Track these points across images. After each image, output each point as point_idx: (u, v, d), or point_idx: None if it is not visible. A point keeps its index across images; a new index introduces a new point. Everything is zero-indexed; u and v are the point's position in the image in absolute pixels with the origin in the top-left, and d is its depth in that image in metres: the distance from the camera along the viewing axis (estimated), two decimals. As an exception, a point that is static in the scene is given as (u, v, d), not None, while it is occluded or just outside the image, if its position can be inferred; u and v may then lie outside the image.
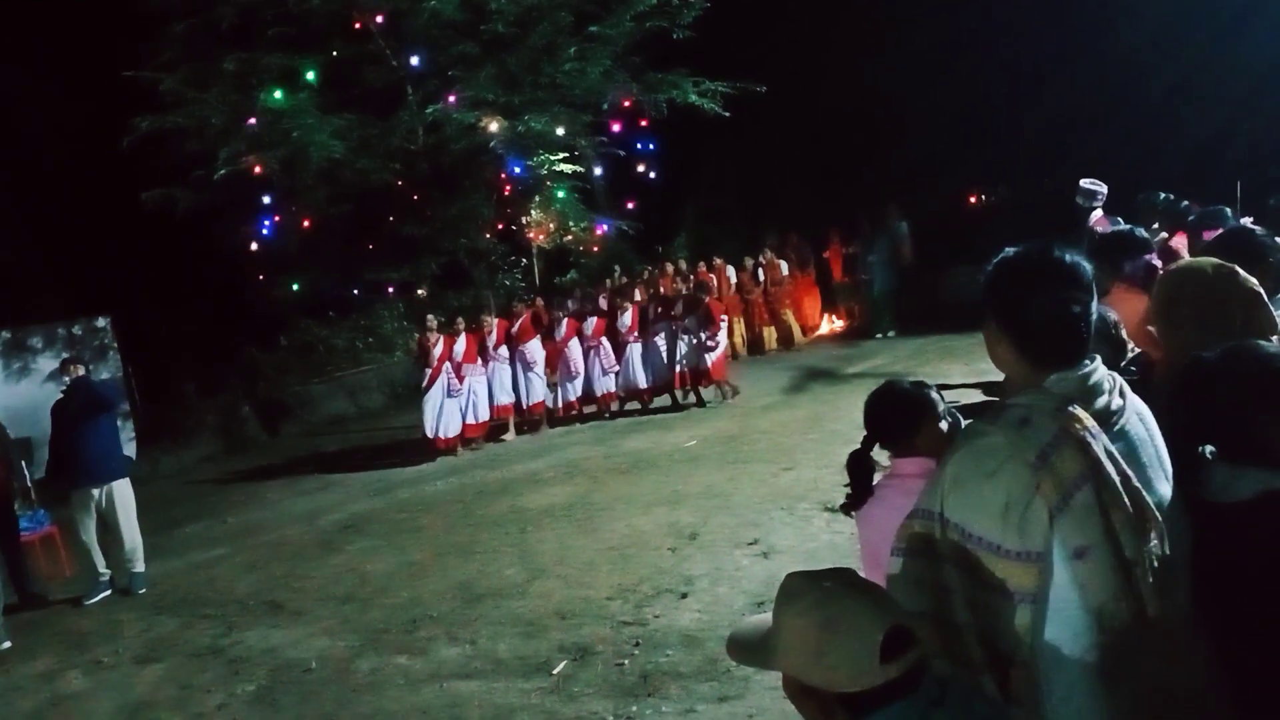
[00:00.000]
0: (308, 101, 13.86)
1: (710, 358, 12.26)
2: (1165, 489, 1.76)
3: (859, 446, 2.74)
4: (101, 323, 14.04)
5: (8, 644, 6.96)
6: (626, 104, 15.70)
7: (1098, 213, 8.74)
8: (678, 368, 12.42)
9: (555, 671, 5.03)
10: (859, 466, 2.74)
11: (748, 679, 4.45)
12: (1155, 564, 1.63)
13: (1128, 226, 5.22)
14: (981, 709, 1.53)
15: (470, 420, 11.88)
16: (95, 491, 7.78)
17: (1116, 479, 1.63)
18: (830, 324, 17.28)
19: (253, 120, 13.95)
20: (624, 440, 10.97)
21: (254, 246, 15.53)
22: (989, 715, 1.55)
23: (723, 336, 12.70)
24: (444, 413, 11.61)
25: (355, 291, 16.90)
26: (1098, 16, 14.60)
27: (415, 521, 8.84)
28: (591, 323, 12.68)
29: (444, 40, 14.43)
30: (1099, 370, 1.77)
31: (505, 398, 12.27)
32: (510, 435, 12.31)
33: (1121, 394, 1.79)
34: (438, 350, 11.69)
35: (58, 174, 16.10)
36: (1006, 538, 1.63)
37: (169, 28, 13.63)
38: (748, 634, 1.60)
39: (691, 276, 15.68)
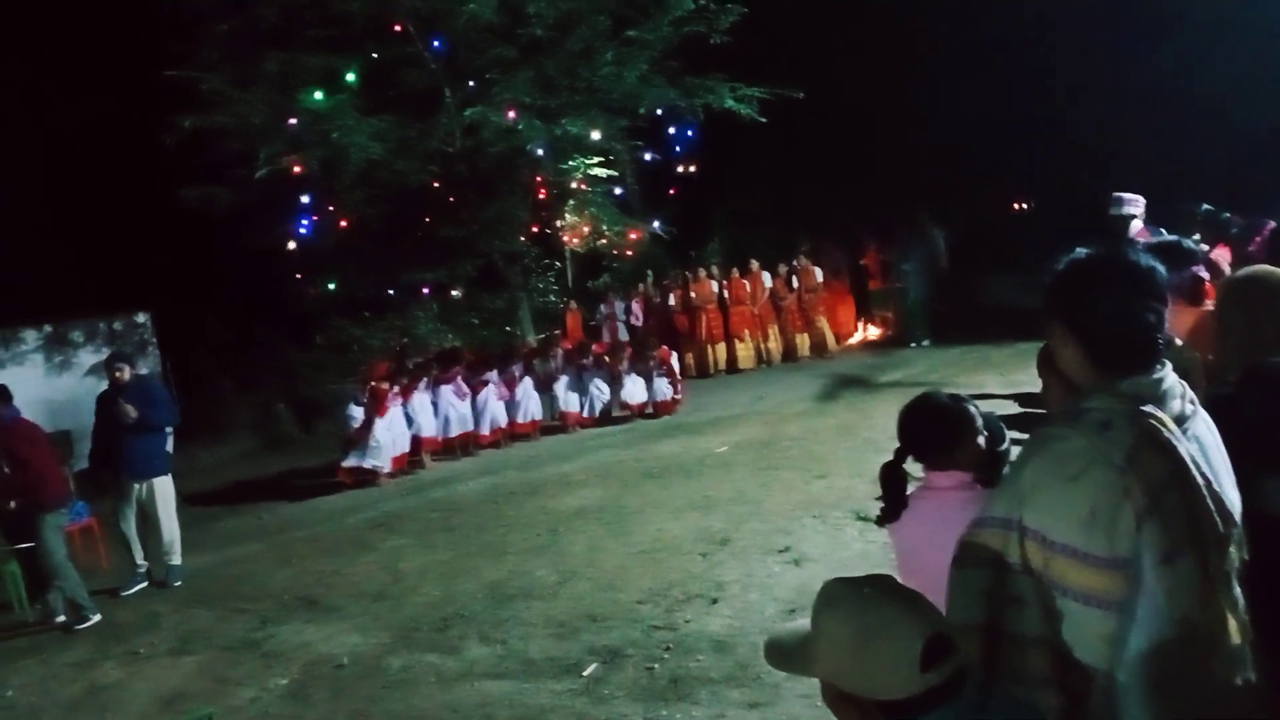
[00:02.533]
0: (347, 103, 13.98)
1: (668, 394, 13.00)
2: (1235, 496, 1.73)
3: (892, 458, 2.71)
4: (142, 318, 14.26)
5: (97, 616, 7.24)
6: (662, 109, 15.71)
7: (1138, 224, 8.62)
8: (636, 399, 13.04)
9: (585, 673, 5.04)
10: (892, 478, 2.70)
11: (778, 685, 4.43)
12: (1235, 573, 1.60)
13: (1174, 237, 5.14)
14: (1026, 717, 1.52)
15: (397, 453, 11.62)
16: (137, 485, 7.95)
17: (1201, 483, 1.60)
18: (864, 332, 17.19)
19: (293, 120, 14.10)
20: (655, 445, 10.97)
21: (292, 246, 15.68)
22: None
23: (674, 367, 13.28)
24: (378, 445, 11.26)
25: (390, 292, 17.02)
26: (1138, 25, 14.41)
27: (447, 521, 8.89)
28: (519, 367, 12.90)
29: (482, 43, 14.51)
30: (1170, 376, 1.75)
31: (429, 431, 12.05)
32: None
33: (1191, 401, 1.76)
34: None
35: (100, 171, 16.35)
36: (1093, 544, 1.60)
37: (212, 28, 13.80)
38: (786, 640, 1.59)
39: (724, 283, 15.75)
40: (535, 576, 6.79)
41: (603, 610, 5.91)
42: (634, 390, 13.05)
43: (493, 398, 12.45)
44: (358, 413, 11.28)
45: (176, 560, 8.15)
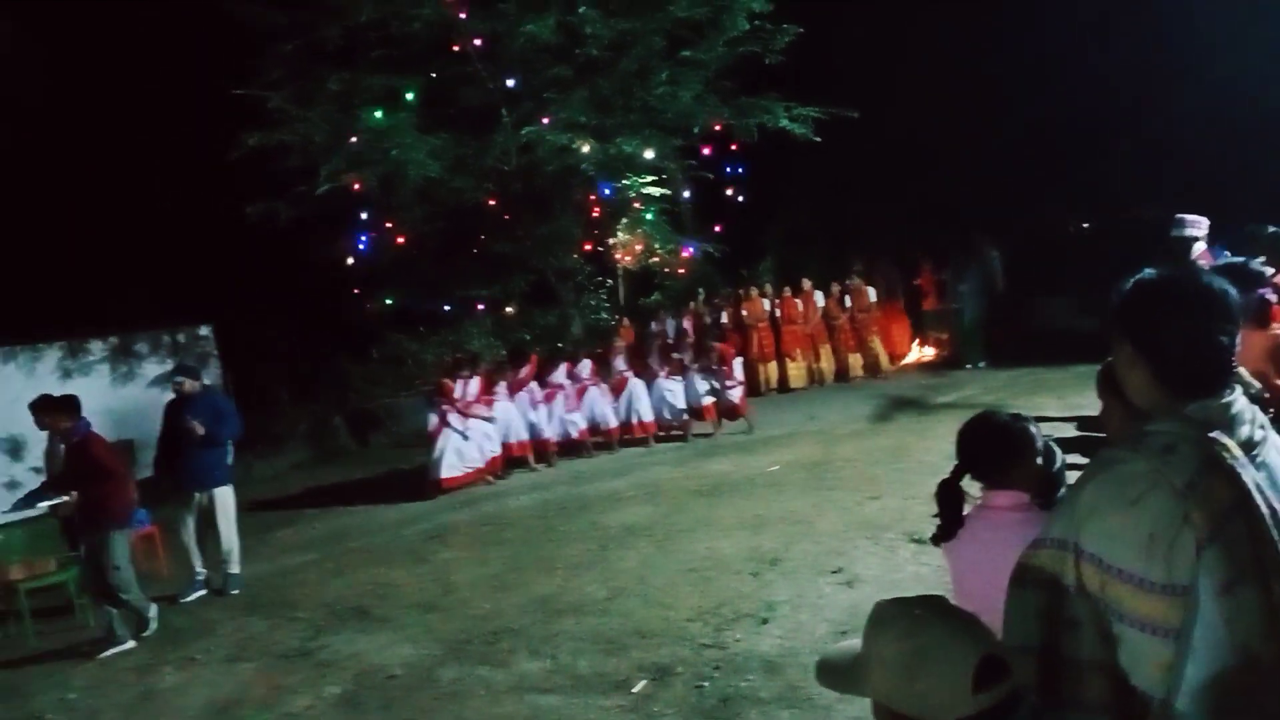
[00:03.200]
0: (406, 121, 14.22)
1: (734, 395, 12.81)
2: None
3: (948, 476, 2.68)
4: (204, 331, 14.55)
5: (154, 621, 7.30)
6: (717, 128, 15.77)
7: (1200, 245, 8.45)
8: (704, 401, 12.86)
9: (635, 690, 5.04)
10: (949, 497, 2.67)
11: (829, 707, 4.39)
12: None
13: (1241, 259, 5.04)
14: None
15: (477, 460, 11.71)
16: (199, 494, 8.14)
17: (1266, 512, 1.56)
18: (919, 353, 17.02)
19: (354, 139, 14.37)
20: (705, 463, 10.95)
21: (350, 260, 15.97)
22: None
23: (739, 373, 13.06)
24: (447, 453, 11.43)
25: (446, 307, 17.22)
26: (1200, 40, 14.15)
27: (499, 535, 8.94)
28: (586, 365, 12.95)
29: (539, 63, 14.69)
30: (1240, 400, 1.71)
31: (516, 436, 12.19)
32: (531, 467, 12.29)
33: (1263, 426, 1.72)
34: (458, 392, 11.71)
35: (166, 186, 16.79)
36: (1151, 570, 1.56)
37: (277, 47, 14.14)
38: (838, 659, 1.59)
39: (776, 302, 15.71)
40: (585, 592, 6.81)
41: (652, 627, 5.90)
42: (701, 393, 12.88)
43: (561, 407, 12.58)
44: (432, 419, 11.60)
45: (235, 569, 8.30)
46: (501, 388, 12.24)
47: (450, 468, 11.42)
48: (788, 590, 6.20)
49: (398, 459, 14.47)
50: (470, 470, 11.53)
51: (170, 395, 8.40)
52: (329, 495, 12.40)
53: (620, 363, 13.16)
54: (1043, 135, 16.86)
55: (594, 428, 12.79)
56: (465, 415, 11.58)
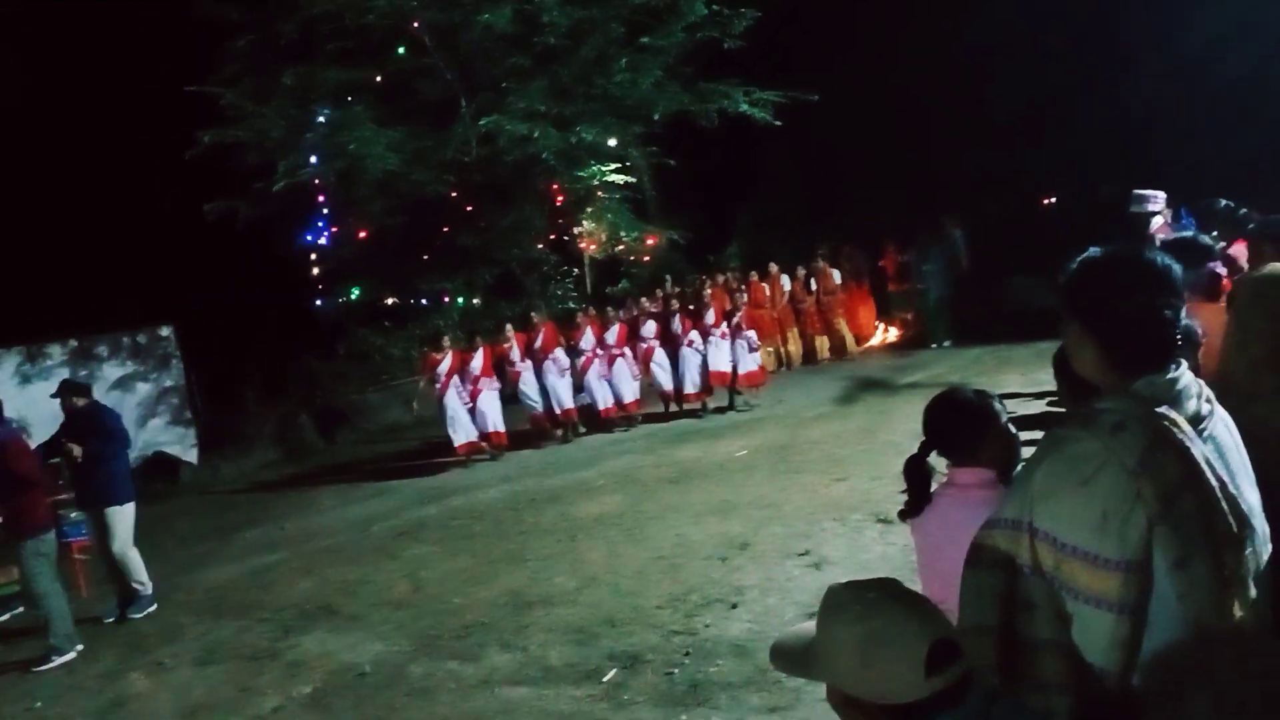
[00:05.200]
0: (364, 114, 14.09)
1: (754, 360, 12.78)
2: (1254, 497, 1.71)
3: (915, 453, 2.69)
4: (165, 331, 14.38)
5: (69, 655, 6.94)
6: (677, 114, 15.76)
7: (1159, 220, 8.56)
8: (722, 368, 12.78)
9: (605, 679, 5.04)
10: (916, 473, 2.68)
11: (798, 690, 4.42)
12: (1251, 574, 1.58)
13: (1191, 233, 5.10)
14: None
15: (493, 429, 12.14)
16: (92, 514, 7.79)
17: (1215, 485, 1.59)
18: (884, 334, 17.11)
19: (310, 133, 14.23)
20: (675, 449, 10.96)
21: (313, 257, 15.82)
22: None
23: (755, 339, 13.06)
24: (462, 421, 11.88)
25: (411, 301, 17.11)
26: (1155, 19, 14.31)
27: (468, 529, 8.91)
28: (614, 331, 12.93)
29: (497, 53, 14.59)
30: (1186, 375, 1.73)
31: (538, 406, 12.45)
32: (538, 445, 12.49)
33: (1209, 400, 1.75)
34: (444, 367, 11.95)
35: (123, 186, 16.55)
36: (1105, 547, 1.58)
37: (231, 43, 13.96)
38: (791, 643, 1.59)
39: (742, 288, 15.69)
40: (555, 583, 6.80)
41: (622, 616, 5.91)
42: (719, 358, 12.78)
43: (598, 374, 12.65)
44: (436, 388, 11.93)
45: (139, 589, 7.82)
46: (516, 359, 12.39)
47: (462, 434, 11.82)
48: (756, 574, 6.23)
49: (366, 455, 14.39)
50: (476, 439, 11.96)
51: (129, 400, 8.18)
52: (296, 494, 12.30)
53: (648, 330, 13.10)
54: (1007, 113, 16.97)
55: (618, 402, 12.86)
56: (475, 390, 11.90)
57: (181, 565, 9.28)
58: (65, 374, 13.03)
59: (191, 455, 13.85)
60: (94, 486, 7.64)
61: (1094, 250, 1.80)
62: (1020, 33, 16.12)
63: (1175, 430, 1.61)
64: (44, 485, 7.23)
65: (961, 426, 2.64)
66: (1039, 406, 9.10)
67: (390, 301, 16.86)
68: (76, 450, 7.42)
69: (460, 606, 6.66)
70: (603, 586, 6.54)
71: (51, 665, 6.83)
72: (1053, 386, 2.90)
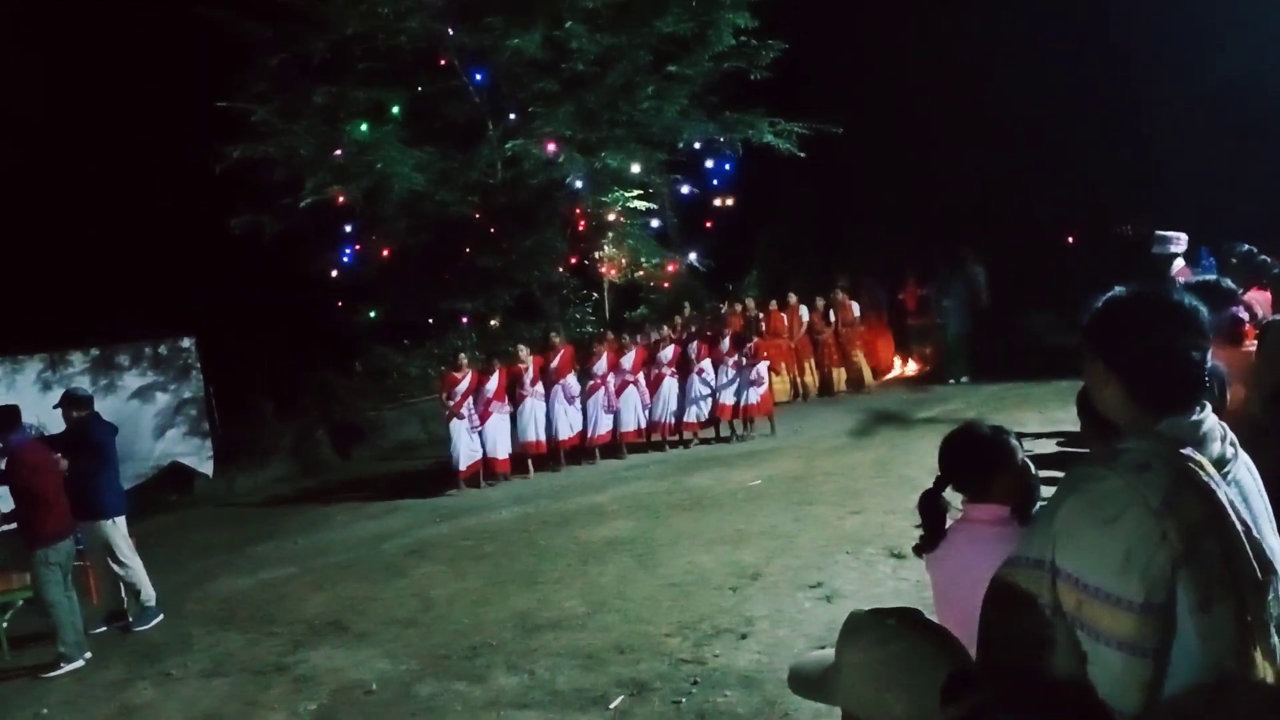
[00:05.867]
0: (392, 134, 14.24)
1: (757, 393, 12.78)
2: (1276, 542, 1.69)
3: (931, 487, 2.68)
4: (186, 343, 14.49)
5: (78, 664, 6.97)
6: (696, 146, 15.85)
7: (1179, 262, 8.52)
8: (727, 400, 12.90)
9: (612, 706, 5.01)
10: (931, 508, 2.67)
11: (806, 724, 4.39)
12: (1274, 620, 1.57)
13: (1213, 277, 5.08)
14: None
15: (494, 455, 12.11)
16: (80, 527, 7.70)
17: (1239, 529, 1.57)
18: (902, 367, 17.06)
19: (339, 151, 14.37)
20: (688, 477, 10.94)
21: (334, 273, 15.95)
22: None
23: (764, 371, 13.06)
24: (464, 445, 11.89)
25: (430, 320, 17.19)
26: (1183, 58, 14.30)
27: (479, 549, 8.91)
28: (630, 357, 12.96)
29: (525, 77, 14.72)
30: (1210, 417, 1.72)
31: (534, 434, 12.40)
32: (531, 473, 12.43)
33: (1232, 444, 1.73)
34: (462, 386, 12.00)
35: (151, 197, 16.76)
36: (1127, 588, 1.56)
37: (263, 60, 14.14)
38: (809, 668, 1.59)
39: (761, 316, 15.68)
40: (564, 607, 6.78)
41: (631, 642, 5.88)
42: (727, 390, 12.90)
43: (600, 402, 12.67)
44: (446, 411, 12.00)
45: (124, 606, 7.87)
46: (528, 381, 12.39)
47: (466, 458, 11.87)
48: (767, 605, 6.19)
49: (380, 472, 14.43)
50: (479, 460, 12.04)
51: (146, 410, 8.19)
52: (310, 509, 12.33)
53: (665, 355, 13.15)
54: (1030, 150, 17.00)
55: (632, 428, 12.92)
56: (484, 412, 11.94)
57: (193, 576, 9.32)
58: (86, 382, 13.18)
59: (207, 467, 13.91)
60: (81, 500, 7.52)
61: (1119, 289, 1.79)
62: (1046, 68, 16.16)
63: (1200, 472, 1.59)
64: (61, 493, 7.22)
65: (977, 462, 2.64)
66: (1055, 445, 9.05)
67: (410, 320, 16.93)
68: (63, 463, 7.40)
69: (469, 627, 6.65)
70: (612, 612, 6.52)
71: (60, 672, 6.86)
72: (1070, 425, 2.90)
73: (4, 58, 13.61)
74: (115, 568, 7.81)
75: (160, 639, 7.43)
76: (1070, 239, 18.84)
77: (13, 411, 7.25)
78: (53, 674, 6.84)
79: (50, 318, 14.72)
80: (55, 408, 7.78)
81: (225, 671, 6.50)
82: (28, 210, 16.03)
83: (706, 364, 13.01)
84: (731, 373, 12.91)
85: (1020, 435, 2.71)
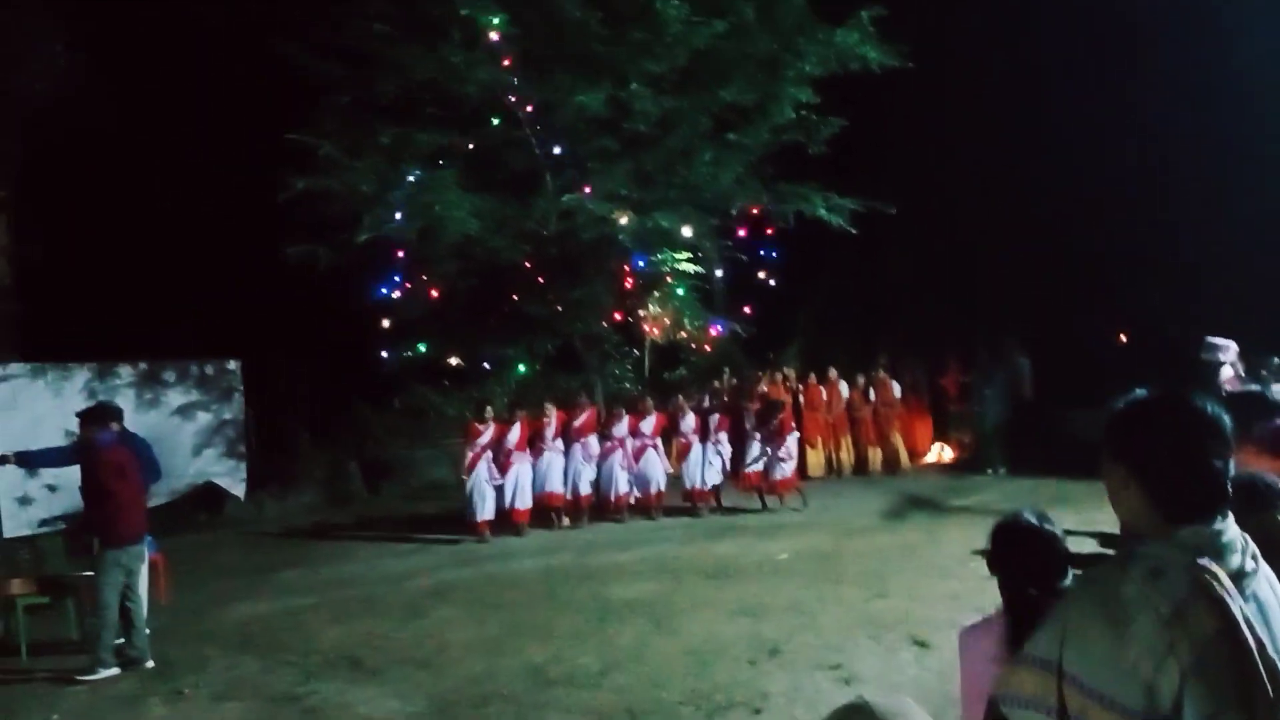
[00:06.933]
0: (451, 179, 14.48)
1: (785, 469, 12.78)
2: None
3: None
4: (232, 365, 14.68)
5: (110, 672, 6.99)
6: (755, 211, 15.97)
7: (1228, 370, 8.41)
8: (752, 468, 12.93)
9: (619, 770, 4.94)
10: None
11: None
12: None
13: (1258, 387, 5.02)
14: None
15: (515, 506, 12.12)
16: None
17: (1253, 645, 1.55)
18: (940, 453, 16.86)
19: (398, 191, 14.65)
20: (714, 543, 10.85)
21: (382, 310, 16.16)
22: None
23: (793, 447, 13.12)
24: (483, 497, 11.90)
25: (472, 363, 17.33)
26: (1255, 160, 14.24)
27: (499, 596, 8.87)
28: (651, 421, 13.01)
29: (586, 133, 14.97)
30: (1232, 528, 1.69)
31: (555, 486, 12.44)
32: (561, 524, 12.46)
33: (1254, 557, 1.71)
34: (483, 439, 12.06)
35: (211, 219, 17.18)
36: (1131, 697, 1.54)
37: (334, 98, 14.52)
38: None
39: (799, 388, 15.65)
40: (579, 663, 6.72)
41: (643, 706, 5.81)
42: (753, 461, 12.91)
43: (619, 462, 12.70)
44: (468, 459, 12.03)
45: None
46: (549, 436, 12.44)
47: (483, 510, 11.85)
48: (784, 682, 6.10)
49: (407, 510, 14.48)
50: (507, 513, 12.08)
51: (188, 426, 8.26)
52: (336, 541, 12.38)
53: (688, 423, 13.20)
54: (1086, 244, 16.92)
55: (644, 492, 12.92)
56: (505, 463, 11.98)
57: (215, 597, 9.37)
58: (131, 395, 13.41)
59: (239, 489, 14.02)
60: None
61: (1141, 391, 1.78)
62: (1107, 166, 16.17)
63: (1215, 584, 1.57)
64: (134, 498, 7.27)
65: (1022, 554, 2.65)
66: (1092, 545, 8.86)
67: (453, 361, 17.07)
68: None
69: (482, 674, 6.61)
70: (627, 673, 6.45)
71: (96, 677, 6.88)
72: (1107, 525, 2.88)
73: (83, 71, 14.07)
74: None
75: (176, 656, 7.45)
76: (1123, 337, 18.64)
77: (107, 410, 7.35)
78: (88, 678, 6.86)
79: (101, 328, 15.04)
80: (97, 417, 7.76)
81: (237, 695, 6.50)
82: (92, 220, 16.49)
83: (723, 436, 13.12)
84: (758, 445, 12.88)
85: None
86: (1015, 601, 2.59)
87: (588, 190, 14.70)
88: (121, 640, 7.24)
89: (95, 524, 7.11)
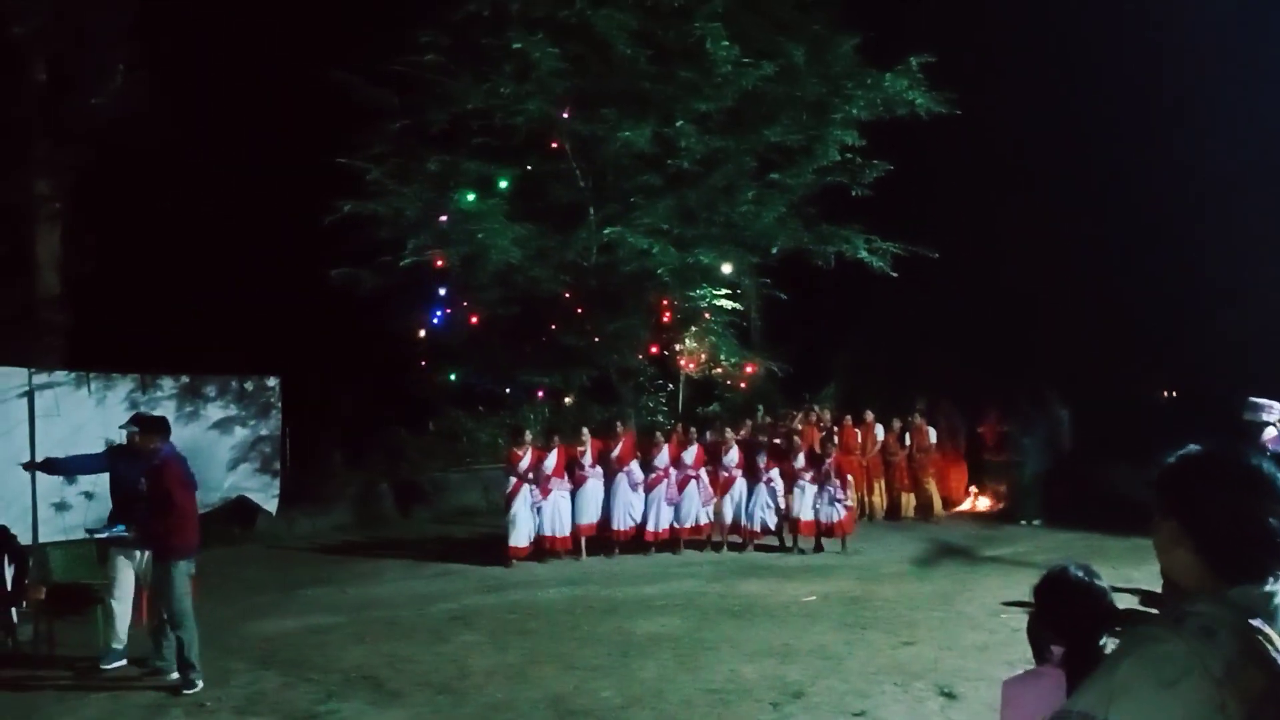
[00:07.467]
0: (496, 208, 14.66)
1: (840, 510, 12.62)
2: None
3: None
4: (271, 382, 14.86)
5: (200, 684, 6.97)
6: (794, 251, 15.99)
7: (1271, 430, 8.25)
8: (807, 516, 12.70)
9: (635, 807, 4.88)
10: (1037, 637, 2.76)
11: None
12: None
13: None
14: None
15: (553, 534, 12.10)
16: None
17: None
18: (974, 501, 16.63)
19: (444, 218, 14.84)
20: (742, 582, 10.75)
21: (422, 334, 16.34)
22: None
23: (849, 490, 12.97)
24: (524, 524, 11.95)
25: (507, 390, 17.42)
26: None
27: (523, 624, 8.85)
28: (692, 452, 12.89)
29: (631, 169, 15.10)
30: None
31: (589, 517, 12.42)
32: (584, 556, 12.40)
33: None
34: (523, 465, 12.08)
35: (257, 238, 17.51)
36: None
37: (385, 125, 14.78)
38: None
39: (835, 430, 15.52)
40: (600, 696, 6.67)
41: (662, 744, 5.74)
42: (804, 505, 12.75)
43: (663, 495, 12.64)
44: (510, 485, 12.05)
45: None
46: (587, 463, 12.44)
47: (519, 537, 11.87)
48: (806, 726, 6.01)
49: (437, 533, 14.52)
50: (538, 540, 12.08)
51: (229, 441, 8.33)
52: (364, 561, 12.42)
53: (732, 458, 13.07)
54: (1131, 297, 16.73)
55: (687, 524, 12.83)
56: (544, 489, 11.98)
57: (241, 612, 9.43)
58: (173, 406, 13.60)
59: (272, 505, 14.12)
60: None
61: (1194, 447, 1.75)
62: (1156, 218, 16.00)
63: (1267, 645, 1.55)
64: (195, 509, 7.37)
65: (1068, 607, 2.66)
66: (1135, 603, 8.67)
67: (487, 387, 17.20)
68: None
69: (502, 702, 6.58)
70: (647, 709, 6.39)
71: (194, 690, 6.86)
72: (1144, 583, 2.83)
73: (144, 91, 14.44)
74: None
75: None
76: (1167, 394, 18.36)
77: (165, 422, 7.46)
78: (189, 690, 6.86)
79: (146, 341, 15.32)
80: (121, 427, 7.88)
81: (258, 711, 6.52)
82: (142, 235, 16.84)
83: (775, 474, 12.90)
84: (810, 489, 12.74)
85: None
86: (1075, 655, 2.56)
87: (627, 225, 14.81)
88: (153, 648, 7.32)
89: (161, 535, 7.10)
